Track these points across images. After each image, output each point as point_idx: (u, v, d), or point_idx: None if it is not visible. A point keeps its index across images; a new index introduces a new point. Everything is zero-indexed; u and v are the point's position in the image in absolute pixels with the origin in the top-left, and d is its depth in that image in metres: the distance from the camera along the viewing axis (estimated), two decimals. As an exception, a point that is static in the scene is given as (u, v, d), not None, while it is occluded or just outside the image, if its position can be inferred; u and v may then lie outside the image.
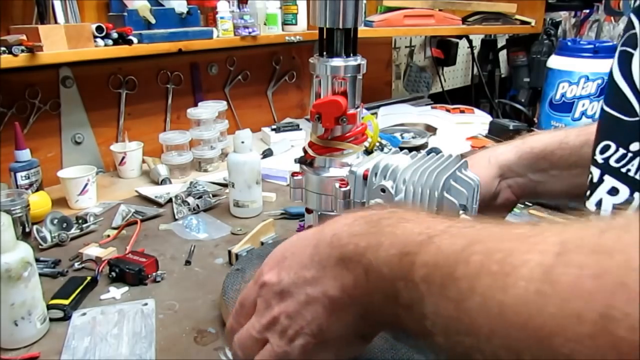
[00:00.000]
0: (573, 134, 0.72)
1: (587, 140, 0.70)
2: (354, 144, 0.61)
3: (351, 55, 0.59)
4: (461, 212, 0.54)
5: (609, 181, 0.53)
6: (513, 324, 0.24)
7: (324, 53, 0.59)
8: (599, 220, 0.25)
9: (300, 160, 0.64)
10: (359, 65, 0.59)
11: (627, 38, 0.50)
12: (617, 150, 0.52)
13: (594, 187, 0.55)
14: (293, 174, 0.63)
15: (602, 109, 0.55)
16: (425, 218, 0.37)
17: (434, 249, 0.31)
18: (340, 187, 0.58)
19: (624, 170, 0.51)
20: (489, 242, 0.28)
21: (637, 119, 0.49)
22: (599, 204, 0.54)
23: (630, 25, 0.50)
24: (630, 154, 0.50)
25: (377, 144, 0.66)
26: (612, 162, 0.52)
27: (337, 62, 0.58)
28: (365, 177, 0.57)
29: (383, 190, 0.56)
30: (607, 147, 0.53)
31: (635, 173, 0.49)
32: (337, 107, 0.57)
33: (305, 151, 0.63)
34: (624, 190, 0.51)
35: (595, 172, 0.55)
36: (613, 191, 0.52)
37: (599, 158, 0.54)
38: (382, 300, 0.36)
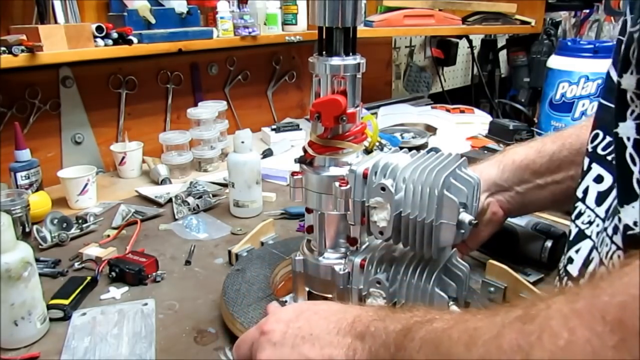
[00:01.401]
0: (549, 140, 0.74)
1: (563, 143, 0.71)
2: (353, 143, 0.61)
3: (350, 54, 0.59)
4: (461, 209, 0.54)
5: (596, 169, 0.53)
6: None
7: (324, 52, 0.59)
8: (536, 301, 0.33)
9: (300, 160, 0.64)
10: (358, 64, 0.58)
11: (621, 26, 0.51)
12: (604, 138, 0.52)
13: (583, 175, 0.55)
14: (293, 174, 0.63)
15: (598, 101, 0.55)
16: (432, 309, 0.44)
17: (428, 328, 0.39)
18: (340, 186, 0.58)
19: (609, 158, 0.51)
20: (467, 323, 0.37)
21: None
22: (585, 190, 0.54)
23: (624, 13, 0.51)
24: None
25: (377, 143, 0.65)
26: (599, 150, 0.53)
27: (337, 61, 0.58)
28: (365, 176, 0.57)
29: (383, 189, 0.56)
30: (596, 136, 0.54)
31: None
32: (336, 106, 0.57)
33: (305, 150, 0.63)
34: (608, 178, 0.51)
35: (585, 161, 0.55)
36: (598, 179, 0.53)
37: (589, 147, 0.55)
38: None
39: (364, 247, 0.63)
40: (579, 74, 1.45)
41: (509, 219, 0.83)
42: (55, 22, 1.15)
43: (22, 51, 1.01)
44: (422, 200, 0.54)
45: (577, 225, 0.55)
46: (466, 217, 0.54)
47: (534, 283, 0.75)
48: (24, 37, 1.03)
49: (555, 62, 1.52)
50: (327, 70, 0.58)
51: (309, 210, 0.65)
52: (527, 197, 0.73)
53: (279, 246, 0.82)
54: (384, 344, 0.42)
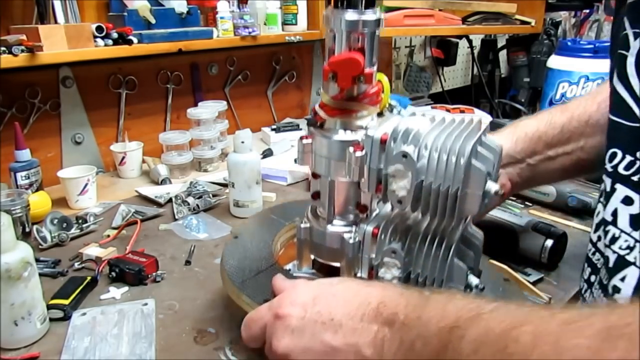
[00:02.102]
0: (557, 112, 0.72)
1: (572, 115, 0.70)
2: (370, 106, 0.56)
3: (370, 7, 0.53)
4: (488, 180, 0.50)
5: (622, 190, 0.51)
6: None
7: (339, 4, 0.53)
8: (630, 309, 0.28)
9: (310, 123, 0.59)
10: (378, 19, 0.53)
11: (621, 39, 0.49)
12: (623, 157, 0.50)
13: (607, 196, 0.53)
14: (302, 138, 0.58)
15: (608, 116, 0.53)
16: (474, 298, 0.39)
17: (483, 325, 0.34)
18: (354, 151, 0.53)
19: (635, 178, 0.49)
20: (538, 324, 0.31)
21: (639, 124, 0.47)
22: (614, 213, 0.52)
23: (622, 26, 0.49)
24: (639, 162, 0.48)
25: (387, 105, 0.62)
26: (620, 169, 0.51)
27: (355, 15, 0.52)
28: (383, 142, 0.52)
29: (405, 156, 0.51)
30: (614, 155, 0.52)
31: None
32: (355, 65, 0.52)
33: (315, 113, 0.58)
34: (638, 200, 0.49)
35: (607, 181, 0.53)
36: (627, 200, 0.50)
37: (608, 166, 0.53)
38: None
39: (374, 215, 0.59)
40: (579, 74, 1.45)
41: (508, 219, 0.83)
42: (55, 22, 1.15)
43: (22, 51, 1.01)
44: (448, 169, 0.50)
45: (614, 252, 0.52)
46: (492, 186, 0.50)
47: (534, 283, 0.75)
48: (24, 37, 1.03)
49: (555, 62, 1.52)
50: (344, 26, 0.52)
51: (315, 176, 0.61)
52: (537, 169, 0.72)
53: (277, 211, 0.78)
54: (420, 336, 0.38)
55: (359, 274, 0.58)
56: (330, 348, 0.42)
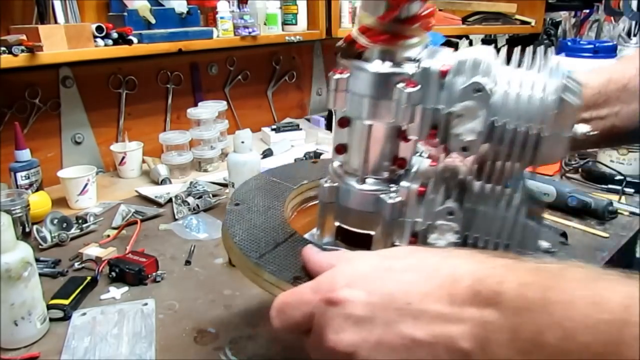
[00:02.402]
0: (594, 72, 0.67)
1: (609, 78, 0.64)
2: (423, 31, 0.46)
3: None
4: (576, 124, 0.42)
5: None
6: None
7: None
8: None
9: (345, 54, 0.48)
10: None
11: None
12: None
13: None
14: (335, 71, 0.48)
15: None
16: (625, 277, 0.29)
17: None
18: (406, 87, 0.44)
19: None
20: None
21: None
22: None
23: None
24: None
25: None
26: None
27: None
28: (443, 75, 0.43)
29: (478, 90, 0.41)
30: None
31: None
32: None
33: (350, 41, 0.46)
34: None
35: None
36: None
37: None
38: None
39: (413, 171, 0.50)
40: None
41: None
42: (55, 22, 1.15)
43: (22, 51, 1.01)
44: (531, 105, 0.41)
45: None
46: (581, 127, 0.42)
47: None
48: (24, 37, 1.03)
49: (555, 62, 1.52)
50: None
51: (343, 123, 0.50)
52: None
53: (277, 174, 0.68)
54: (554, 326, 0.27)
55: (396, 242, 0.48)
56: (410, 341, 0.32)
